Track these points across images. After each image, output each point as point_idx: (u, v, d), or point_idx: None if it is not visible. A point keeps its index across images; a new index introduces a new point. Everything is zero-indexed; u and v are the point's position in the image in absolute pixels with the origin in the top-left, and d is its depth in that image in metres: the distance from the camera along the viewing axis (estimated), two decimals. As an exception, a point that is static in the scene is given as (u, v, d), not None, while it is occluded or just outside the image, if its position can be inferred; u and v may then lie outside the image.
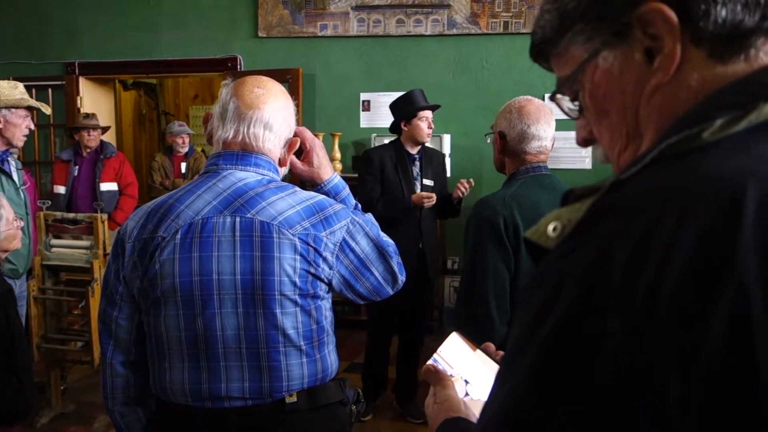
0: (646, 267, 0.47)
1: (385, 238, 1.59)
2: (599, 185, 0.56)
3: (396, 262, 1.59)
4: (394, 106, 3.82)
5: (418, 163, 3.83)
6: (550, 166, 2.07)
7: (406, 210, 3.66)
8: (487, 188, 3.93)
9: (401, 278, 1.62)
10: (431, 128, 3.77)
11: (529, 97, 2.07)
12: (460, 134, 5.31)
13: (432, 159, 3.93)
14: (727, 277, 0.44)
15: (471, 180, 3.72)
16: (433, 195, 3.65)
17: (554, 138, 2.05)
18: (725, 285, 0.44)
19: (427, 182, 3.84)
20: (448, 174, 5.16)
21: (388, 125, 3.96)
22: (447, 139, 5.25)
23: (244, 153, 1.50)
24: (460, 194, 3.71)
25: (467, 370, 1.00)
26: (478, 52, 5.36)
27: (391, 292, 1.62)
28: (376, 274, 1.55)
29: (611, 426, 0.47)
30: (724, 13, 0.56)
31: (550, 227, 0.57)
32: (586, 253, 0.51)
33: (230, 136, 1.50)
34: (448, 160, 5.20)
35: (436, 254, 4.01)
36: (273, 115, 1.50)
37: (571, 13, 0.64)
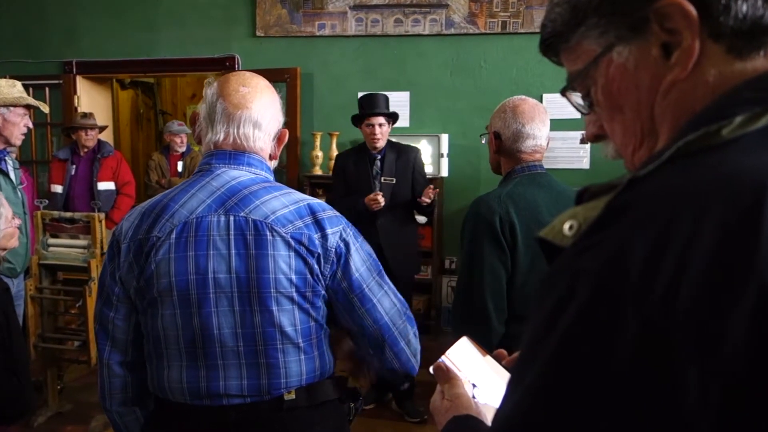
0: (664, 265, 0.46)
1: (399, 298, 1.55)
2: (615, 182, 0.55)
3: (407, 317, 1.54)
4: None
5: (378, 162, 3.94)
6: (547, 166, 2.07)
7: (359, 210, 3.76)
8: (484, 188, 3.92)
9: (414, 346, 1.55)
10: (374, 135, 3.89)
11: (523, 96, 2.08)
12: (458, 134, 5.30)
13: (399, 156, 3.99)
14: (749, 276, 0.44)
15: (431, 186, 3.86)
16: (379, 197, 3.75)
17: (549, 137, 2.06)
18: (747, 284, 0.44)
19: (387, 179, 3.91)
20: (445, 174, 5.16)
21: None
22: (445, 138, 5.23)
23: (236, 152, 1.49)
24: (426, 200, 3.81)
25: (475, 374, 0.99)
26: (476, 51, 5.35)
27: (405, 349, 1.52)
28: (379, 308, 1.48)
29: (628, 424, 0.46)
30: (744, 8, 0.55)
31: (566, 226, 0.56)
32: (602, 250, 0.50)
33: (221, 139, 1.49)
34: (445, 161, 5.19)
35: (403, 252, 3.95)
36: (261, 113, 1.50)
37: (583, 6, 0.64)
